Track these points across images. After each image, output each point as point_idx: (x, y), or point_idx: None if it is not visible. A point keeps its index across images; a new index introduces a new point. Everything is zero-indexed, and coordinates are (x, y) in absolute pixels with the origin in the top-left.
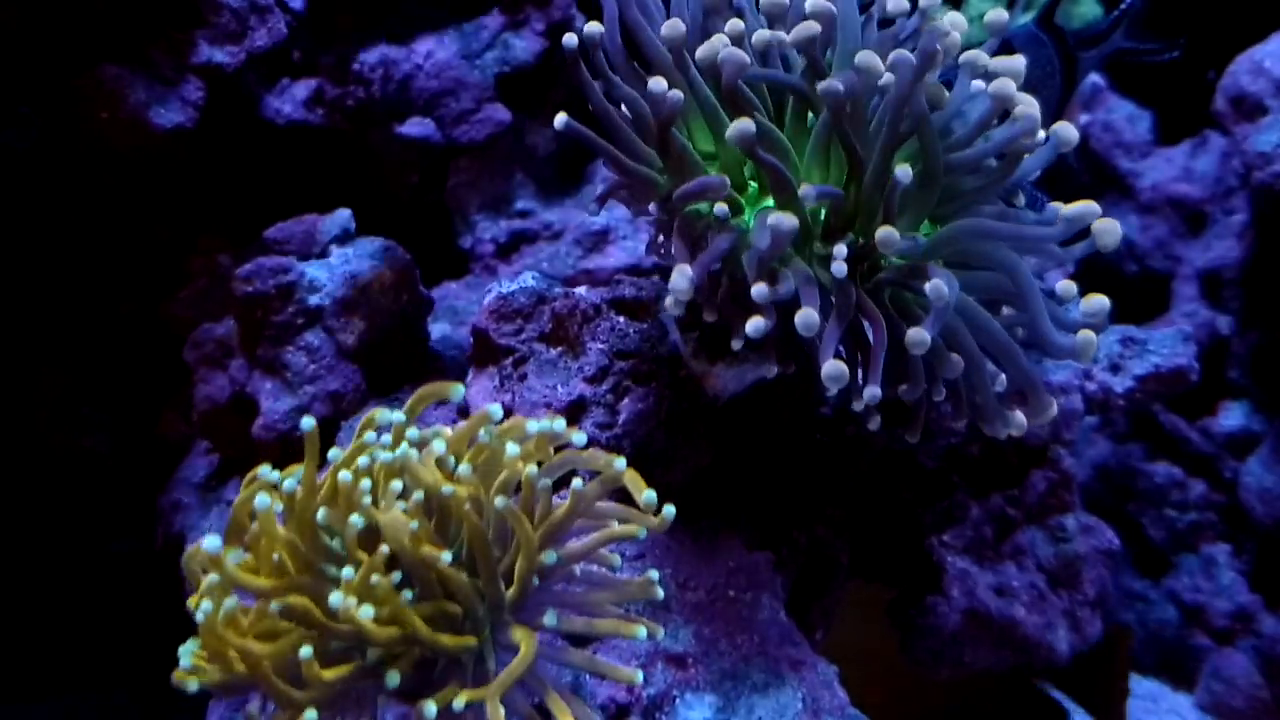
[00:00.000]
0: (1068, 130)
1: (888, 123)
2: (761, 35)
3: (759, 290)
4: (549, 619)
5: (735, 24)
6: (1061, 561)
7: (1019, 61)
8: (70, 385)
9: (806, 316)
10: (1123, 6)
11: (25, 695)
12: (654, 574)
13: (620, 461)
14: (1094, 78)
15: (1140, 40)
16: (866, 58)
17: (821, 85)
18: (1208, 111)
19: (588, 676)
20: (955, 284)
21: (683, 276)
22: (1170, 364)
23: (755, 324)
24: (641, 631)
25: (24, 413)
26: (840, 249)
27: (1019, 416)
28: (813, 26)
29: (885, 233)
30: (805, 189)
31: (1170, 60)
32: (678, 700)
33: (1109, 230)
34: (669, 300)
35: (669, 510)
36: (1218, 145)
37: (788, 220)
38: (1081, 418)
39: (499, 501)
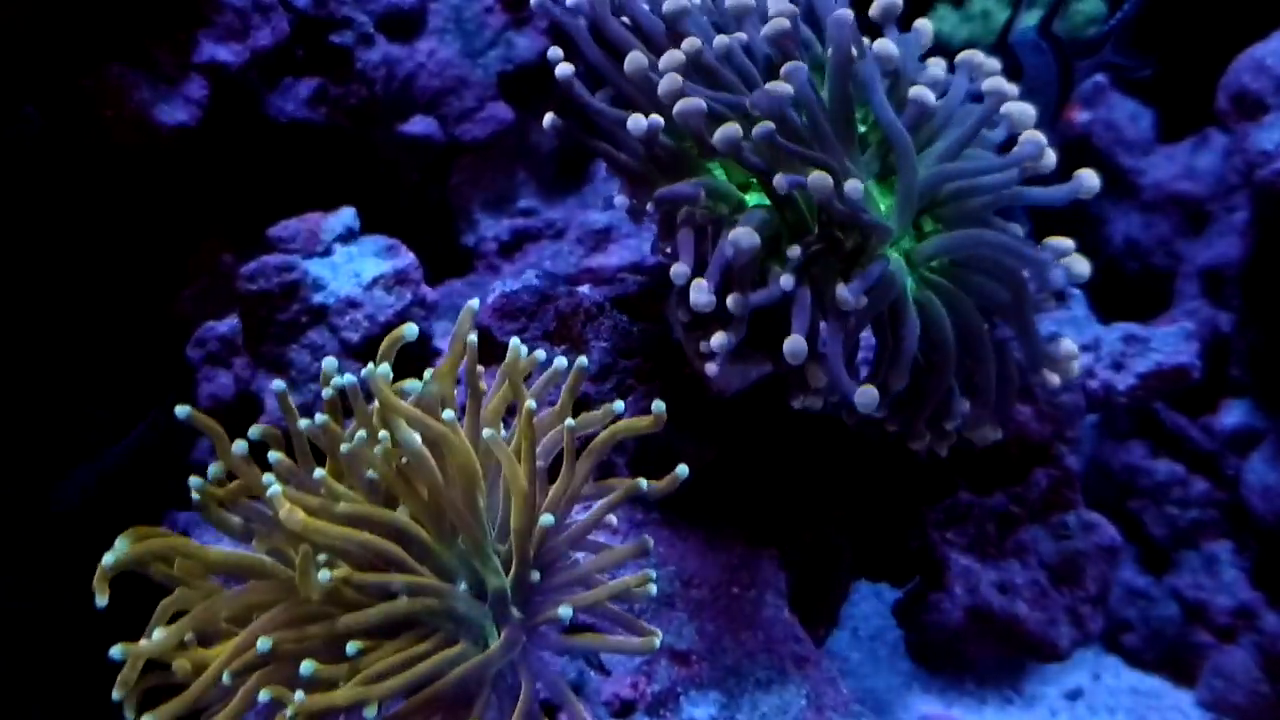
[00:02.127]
0: (1091, 179)
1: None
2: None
3: (733, 300)
4: (564, 611)
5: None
6: (1064, 558)
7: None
8: (76, 384)
9: (794, 344)
10: (1111, 23)
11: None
12: (652, 574)
13: (618, 404)
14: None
15: (1124, 56)
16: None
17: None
18: (1210, 109)
19: (592, 674)
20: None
21: (700, 292)
22: (1172, 361)
23: (719, 339)
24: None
25: (29, 412)
26: (794, 250)
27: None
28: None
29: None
30: (778, 178)
31: (1143, 78)
32: (682, 697)
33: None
34: (680, 293)
35: (681, 469)
36: (1220, 143)
37: (747, 238)
38: (1084, 415)
39: (486, 433)
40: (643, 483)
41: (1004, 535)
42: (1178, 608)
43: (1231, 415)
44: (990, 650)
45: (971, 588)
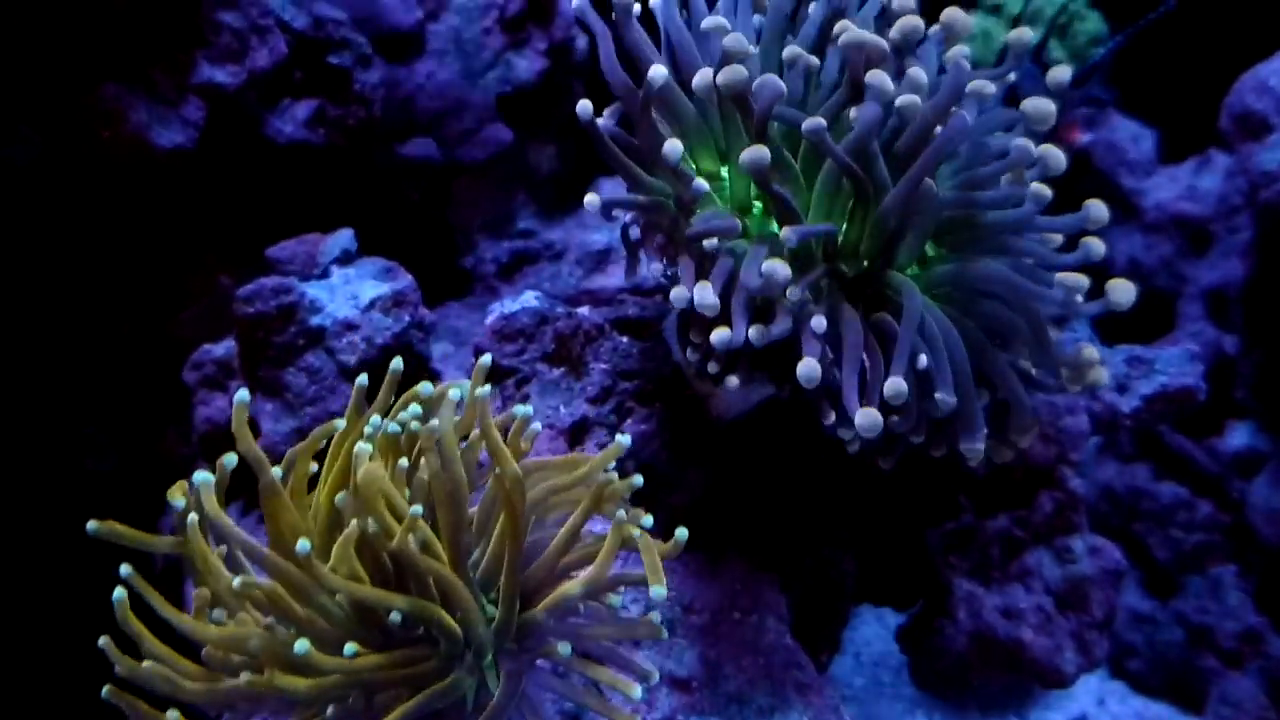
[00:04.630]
0: (1099, 209)
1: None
2: (791, 51)
3: (755, 331)
4: (564, 649)
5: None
6: (1069, 583)
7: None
8: (73, 405)
9: (808, 368)
10: (1096, 59)
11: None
12: (656, 616)
13: (625, 438)
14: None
15: (1101, 89)
16: (879, 78)
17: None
18: (1212, 129)
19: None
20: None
21: (706, 293)
22: (1177, 384)
23: (720, 335)
24: (637, 691)
25: (27, 432)
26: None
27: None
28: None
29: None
30: (786, 232)
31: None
32: None
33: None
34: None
35: (681, 533)
36: (1222, 163)
37: (781, 269)
38: (1088, 438)
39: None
40: (636, 532)
41: (1008, 559)
42: (1183, 632)
43: (1236, 437)
44: (995, 676)
45: (975, 612)
